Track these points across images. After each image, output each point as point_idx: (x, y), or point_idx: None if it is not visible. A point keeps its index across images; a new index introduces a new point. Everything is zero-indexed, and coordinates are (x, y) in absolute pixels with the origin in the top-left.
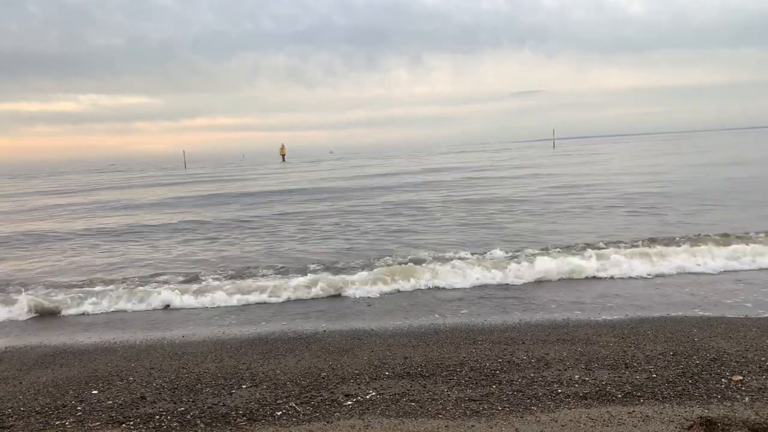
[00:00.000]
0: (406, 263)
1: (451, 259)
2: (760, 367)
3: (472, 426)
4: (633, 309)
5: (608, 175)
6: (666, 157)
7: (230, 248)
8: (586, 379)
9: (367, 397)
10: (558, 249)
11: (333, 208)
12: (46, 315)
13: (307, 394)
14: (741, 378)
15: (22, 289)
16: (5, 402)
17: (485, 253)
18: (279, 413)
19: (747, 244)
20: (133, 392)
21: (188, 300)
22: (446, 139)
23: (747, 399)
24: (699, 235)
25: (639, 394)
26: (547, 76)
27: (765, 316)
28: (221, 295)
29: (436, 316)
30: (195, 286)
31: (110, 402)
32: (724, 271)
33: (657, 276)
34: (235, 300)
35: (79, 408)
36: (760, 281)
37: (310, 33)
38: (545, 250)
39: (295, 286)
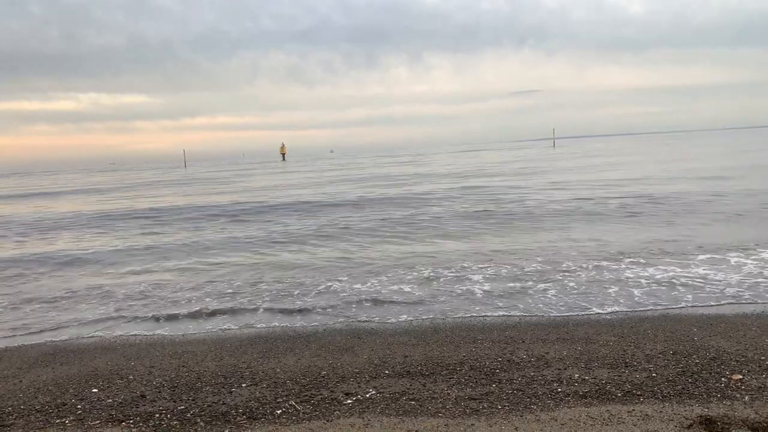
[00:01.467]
0: None
1: None
2: (759, 366)
3: (472, 425)
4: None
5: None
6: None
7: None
8: (586, 378)
9: (367, 395)
10: None
11: None
12: None
13: (307, 393)
14: (741, 377)
15: None
16: (6, 400)
17: None
18: (279, 412)
19: None
20: (133, 391)
21: None
22: (446, 138)
23: (747, 398)
24: None
25: (639, 392)
26: (547, 75)
27: (765, 315)
28: None
29: (435, 314)
30: None
31: (110, 400)
32: None
33: None
34: None
35: (79, 406)
36: None
37: (310, 32)
38: None
39: None
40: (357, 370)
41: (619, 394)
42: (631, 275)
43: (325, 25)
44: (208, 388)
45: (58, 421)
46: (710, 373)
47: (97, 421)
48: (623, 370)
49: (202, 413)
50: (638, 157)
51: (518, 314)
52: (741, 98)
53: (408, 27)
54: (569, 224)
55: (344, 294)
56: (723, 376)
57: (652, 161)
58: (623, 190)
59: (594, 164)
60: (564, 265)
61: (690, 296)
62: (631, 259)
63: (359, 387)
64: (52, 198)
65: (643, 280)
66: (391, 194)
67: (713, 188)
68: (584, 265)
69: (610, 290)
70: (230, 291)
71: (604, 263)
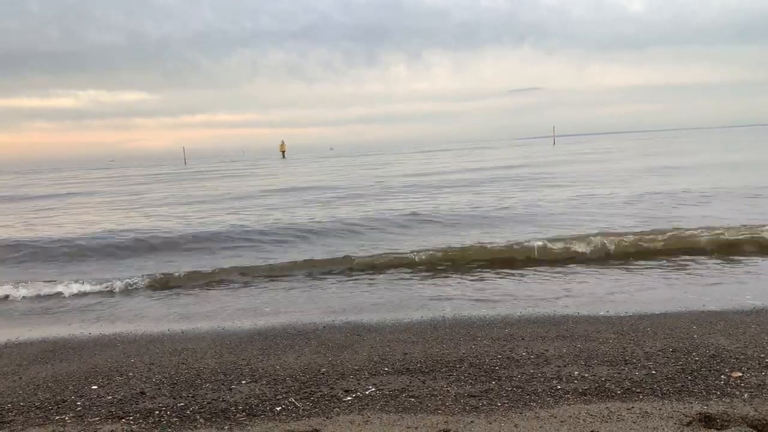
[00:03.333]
0: None
1: None
2: (759, 363)
3: (472, 422)
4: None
5: None
6: None
7: None
8: (586, 375)
9: (367, 392)
10: None
11: None
12: None
13: (307, 390)
14: (740, 374)
15: None
16: (5, 397)
17: None
18: (278, 409)
19: None
20: (133, 387)
21: None
22: (446, 135)
23: (746, 395)
24: None
25: (638, 390)
26: (547, 74)
27: (765, 312)
28: None
29: (436, 311)
30: None
31: (110, 397)
32: None
33: None
34: None
35: (78, 403)
36: None
37: (309, 30)
38: None
39: None
40: (357, 368)
41: (619, 392)
42: None
43: (325, 24)
44: (207, 385)
45: (57, 417)
46: (710, 371)
47: (97, 418)
48: (623, 367)
49: (202, 410)
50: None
51: (518, 312)
52: (741, 97)
53: (408, 25)
54: None
55: None
56: (722, 374)
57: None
58: None
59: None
60: None
61: None
62: None
63: (359, 384)
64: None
65: None
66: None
67: None
68: None
69: None
70: None
71: None
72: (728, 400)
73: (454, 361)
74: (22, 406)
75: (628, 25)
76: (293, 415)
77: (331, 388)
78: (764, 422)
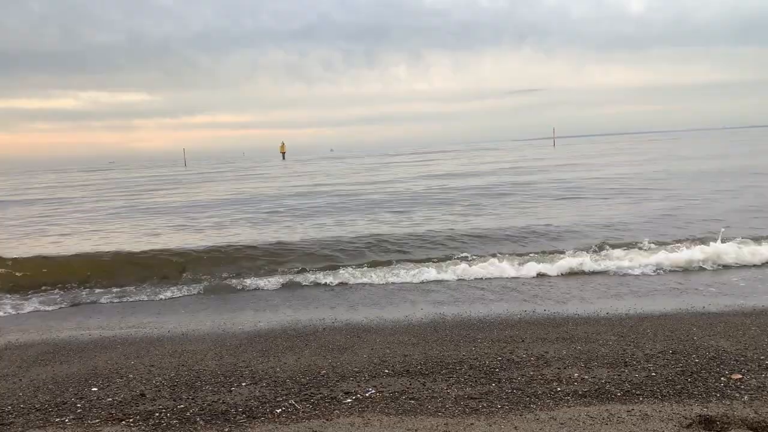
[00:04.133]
0: None
1: None
2: (759, 365)
3: (472, 424)
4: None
5: None
6: None
7: None
8: (586, 377)
9: (367, 394)
10: None
11: None
12: None
13: (307, 392)
14: (740, 376)
15: None
16: (5, 399)
17: None
18: (278, 411)
19: None
20: (133, 389)
21: None
22: (446, 136)
23: (746, 397)
24: None
25: (638, 392)
26: (547, 74)
27: (765, 314)
28: None
29: (436, 313)
30: None
31: (110, 399)
32: None
33: None
34: None
35: (78, 405)
36: None
37: (309, 30)
38: None
39: None
40: (357, 369)
41: (619, 394)
42: None
43: (325, 23)
44: (207, 387)
45: (57, 419)
46: (710, 373)
47: (97, 420)
48: (623, 369)
49: (202, 412)
50: None
51: (518, 313)
52: (741, 98)
53: (408, 25)
54: None
55: None
56: (722, 376)
57: None
58: None
59: None
60: None
61: None
62: None
63: (359, 386)
64: None
65: None
66: None
67: None
68: None
69: None
70: None
71: None
72: (728, 402)
73: (454, 363)
74: (23, 408)
75: (628, 25)
76: (293, 417)
77: (331, 390)
78: (764, 424)
